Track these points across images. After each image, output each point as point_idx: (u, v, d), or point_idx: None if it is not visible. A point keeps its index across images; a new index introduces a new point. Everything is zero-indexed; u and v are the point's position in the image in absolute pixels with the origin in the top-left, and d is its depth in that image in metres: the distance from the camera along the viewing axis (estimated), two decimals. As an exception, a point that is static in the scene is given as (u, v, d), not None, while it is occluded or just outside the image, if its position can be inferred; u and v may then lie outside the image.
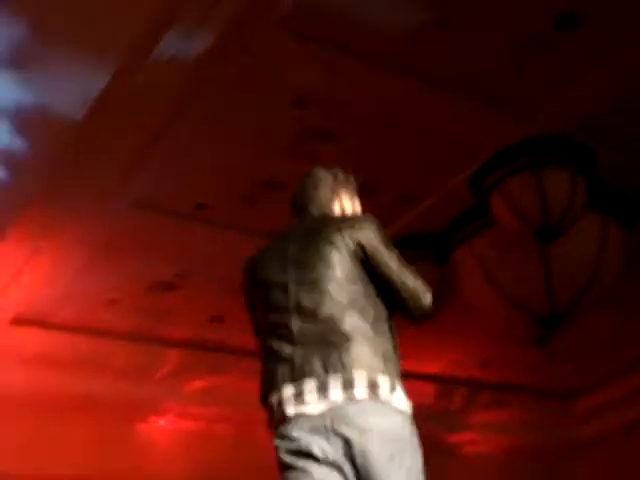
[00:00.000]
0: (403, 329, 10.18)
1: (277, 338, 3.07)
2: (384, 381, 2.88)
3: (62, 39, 5.75)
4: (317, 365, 2.88)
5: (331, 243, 3.08)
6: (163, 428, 12.27)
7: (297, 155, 7.23)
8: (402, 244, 8.53)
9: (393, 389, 2.91)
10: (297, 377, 2.91)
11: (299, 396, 2.88)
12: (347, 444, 2.82)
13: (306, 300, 3.03)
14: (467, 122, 7.05)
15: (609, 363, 12.13)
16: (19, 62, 5.89)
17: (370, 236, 3.13)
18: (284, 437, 2.92)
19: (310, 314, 3.00)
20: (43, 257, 8.04)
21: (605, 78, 6.73)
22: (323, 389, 2.84)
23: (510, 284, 8.29)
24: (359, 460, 2.81)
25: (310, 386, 2.86)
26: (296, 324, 3.02)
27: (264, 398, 3.07)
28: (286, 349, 3.00)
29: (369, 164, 7.55)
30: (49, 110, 6.40)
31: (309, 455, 2.84)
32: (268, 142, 7.11)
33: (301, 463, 2.85)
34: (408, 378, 10.41)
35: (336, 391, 2.83)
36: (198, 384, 11.22)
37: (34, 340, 9.79)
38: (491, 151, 7.47)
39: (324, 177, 3.50)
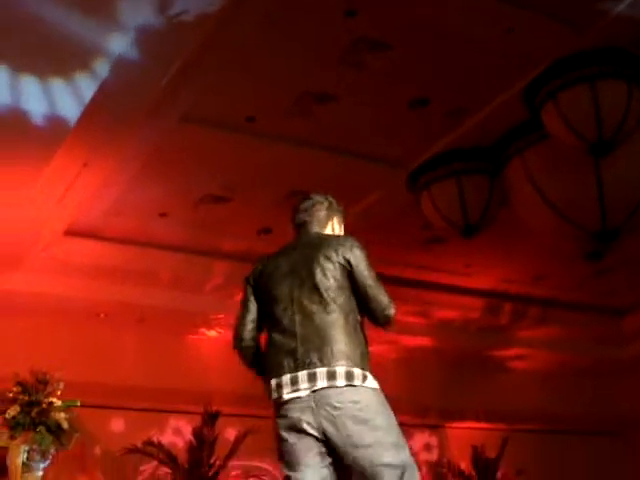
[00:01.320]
0: (454, 245, 10.15)
1: (281, 333, 3.76)
2: (358, 373, 3.59)
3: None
4: (314, 358, 3.61)
5: (328, 258, 3.77)
6: (212, 339, 12.47)
7: (348, 66, 7.15)
8: (453, 157, 8.59)
9: (365, 377, 3.62)
10: (296, 368, 3.63)
11: (295, 383, 3.61)
12: (327, 419, 3.57)
13: (307, 301, 3.72)
14: (521, 34, 6.88)
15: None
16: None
17: (357, 256, 3.79)
18: (282, 416, 3.68)
19: (309, 315, 3.70)
20: (94, 170, 8.10)
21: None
22: (313, 378, 3.58)
23: (562, 199, 8.19)
24: (338, 429, 3.57)
25: (302, 375, 3.60)
26: (295, 320, 3.72)
27: (267, 381, 3.77)
28: (288, 342, 3.70)
29: (421, 76, 7.46)
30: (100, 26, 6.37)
31: (299, 430, 3.62)
32: (319, 53, 7.02)
33: (293, 436, 3.64)
34: (458, 294, 10.46)
35: (322, 381, 3.56)
36: (247, 296, 11.33)
37: (87, 251, 9.95)
38: (545, 63, 7.30)
39: (322, 202, 4.12)
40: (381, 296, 3.78)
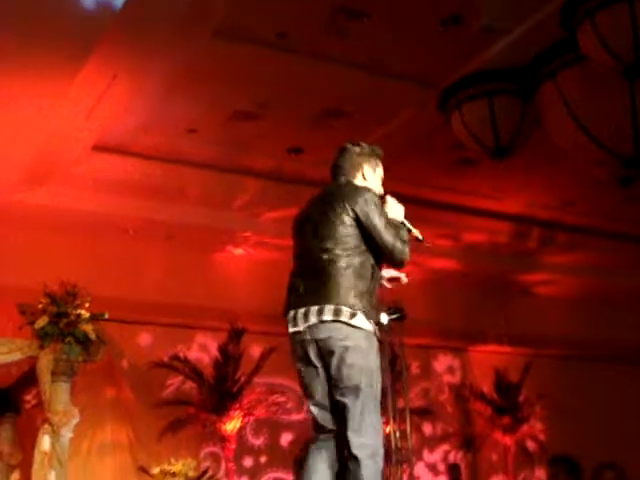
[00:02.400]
0: (483, 168, 10.05)
1: (294, 276, 4.17)
2: (346, 310, 3.91)
3: None
4: (310, 297, 3.98)
5: (339, 209, 4.06)
6: (239, 257, 12.53)
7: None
8: (485, 78, 8.47)
9: (353, 315, 3.92)
10: (297, 305, 4.02)
11: (295, 319, 4.03)
12: (322, 351, 3.97)
13: (314, 247, 4.06)
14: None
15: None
16: None
17: (365, 208, 4.04)
18: (293, 348, 4.11)
19: (314, 258, 4.04)
20: (123, 85, 8.04)
21: None
22: (307, 315, 3.97)
23: (595, 122, 8.06)
24: (327, 358, 3.97)
25: (300, 313, 4.00)
26: (305, 264, 4.11)
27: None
28: (297, 283, 4.11)
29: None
30: None
31: (306, 360, 4.05)
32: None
33: (302, 366, 4.08)
34: (486, 217, 10.40)
35: (313, 317, 3.94)
36: (275, 215, 11.35)
37: (115, 167, 9.96)
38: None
39: (351, 150, 4.34)
40: (393, 242, 4.05)
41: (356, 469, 3.84)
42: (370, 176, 4.31)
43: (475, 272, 13.68)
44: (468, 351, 15.09)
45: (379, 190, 4.32)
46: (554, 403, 13.89)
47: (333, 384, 3.98)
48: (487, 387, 14.31)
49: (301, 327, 4.00)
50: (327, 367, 3.99)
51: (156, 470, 8.20)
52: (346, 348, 3.91)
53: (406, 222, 4.25)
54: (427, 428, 14.16)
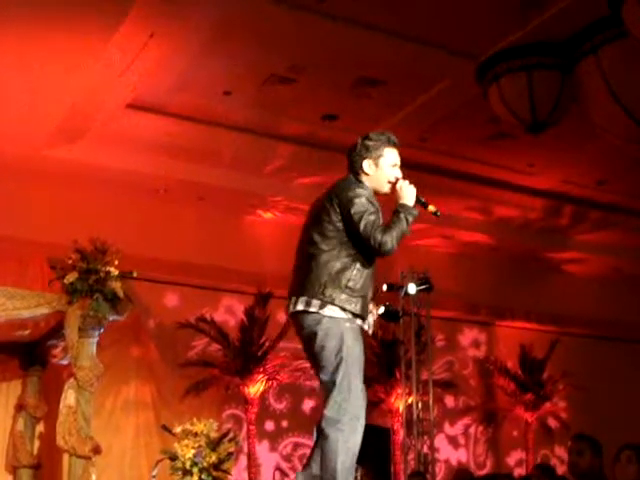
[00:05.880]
0: (518, 143, 9.92)
1: (293, 265, 4.46)
2: (316, 302, 4.18)
3: None
4: (293, 290, 4.31)
5: (326, 205, 4.28)
6: (269, 221, 12.54)
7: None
8: (524, 51, 8.36)
9: (323, 306, 4.18)
10: (289, 295, 4.33)
11: (288, 307, 4.34)
12: (300, 335, 4.31)
13: (305, 241, 4.34)
14: None
15: None
16: None
17: (347, 203, 4.19)
18: None
19: (303, 251, 4.34)
20: (159, 43, 8.03)
21: None
22: (290, 303, 4.29)
23: (634, 100, 7.95)
24: (306, 343, 4.30)
25: (289, 302, 4.31)
26: (297, 257, 4.40)
27: None
28: (292, 274, 4.42)
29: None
30: None
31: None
32: None
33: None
34: (519, 192, 10.30)
35: (292, 306, 4.26)
36: (306, 180, 11.33)
37: (149, 126, 9.96)
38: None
39: (357, 145, 4.40)
40: (371, 233, 4.12)
41: (320, 440, 4.13)
42: (372, 169, 4.36)
43: (505, 247, 13.63)
44: (494, 326, 15.03)
45: (389, 176, 4.33)
46: (578, 382, 13.83)
47: (314, 364, 4.30)
48: (512, 363, 14.27)
49: (290, 312, 4.32)
50: (308, 349, 4.31)
51: (178, 429, 8.24)
52: (315, 334, 4.18)
53: (421, 198, 4.28)
54: (449, 401, 14.16)
